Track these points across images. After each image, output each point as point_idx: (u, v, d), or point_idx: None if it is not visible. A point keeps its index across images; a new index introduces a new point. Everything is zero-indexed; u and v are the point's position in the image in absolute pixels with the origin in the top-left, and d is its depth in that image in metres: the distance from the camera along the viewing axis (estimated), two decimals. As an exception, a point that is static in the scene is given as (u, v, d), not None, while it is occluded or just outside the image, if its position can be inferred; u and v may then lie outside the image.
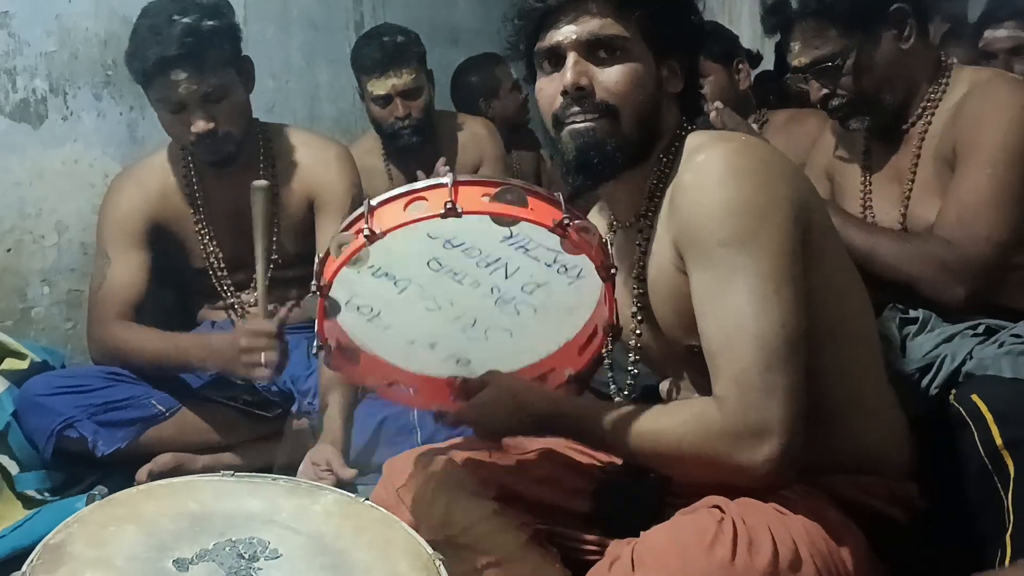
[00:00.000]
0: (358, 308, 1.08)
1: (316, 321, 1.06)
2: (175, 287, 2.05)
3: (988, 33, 2.32)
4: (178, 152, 1.90)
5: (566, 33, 1.10)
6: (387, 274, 1.05)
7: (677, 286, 1.08)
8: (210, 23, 1.72)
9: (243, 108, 1.83)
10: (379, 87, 2.37)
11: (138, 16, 1.73)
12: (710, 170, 1.04)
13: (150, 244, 1.89)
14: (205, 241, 1.94)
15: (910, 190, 1.47)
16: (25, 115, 1.93)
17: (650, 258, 1.14)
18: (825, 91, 1.48)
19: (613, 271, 1.05)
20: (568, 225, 0.99)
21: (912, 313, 1.40)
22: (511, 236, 1.01)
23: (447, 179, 0.98)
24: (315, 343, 1.07)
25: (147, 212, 1.88)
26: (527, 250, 1.03)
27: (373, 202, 1.01)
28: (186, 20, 1.69)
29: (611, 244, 1.19)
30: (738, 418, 0.96)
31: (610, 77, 1.09)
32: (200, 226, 1.93)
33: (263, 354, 1.62)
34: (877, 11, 1.43)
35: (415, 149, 2.45)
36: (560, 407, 1.13)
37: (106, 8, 2.07)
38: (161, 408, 1.81)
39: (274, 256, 1.91)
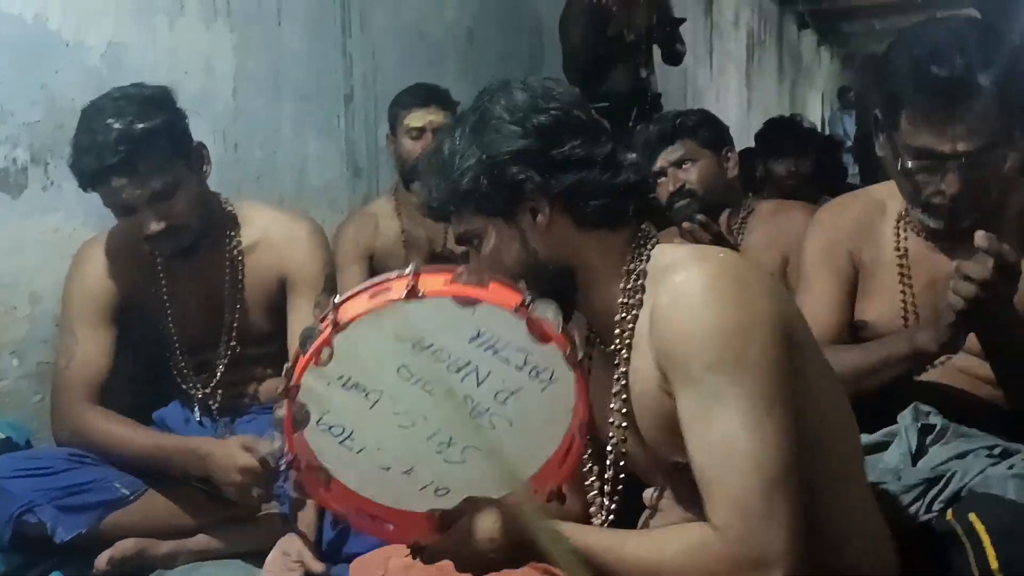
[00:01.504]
0: (329, 428, 1.04)
1: (283, 432, 1.02)
2: (142, 365, 1.99)
3: None
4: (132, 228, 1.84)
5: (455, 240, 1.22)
6: (357, 384, 1.02)
7: (662, 405, 1.05)
8: (142, 125, 1.63)
9: (197, 199, 1.77)
10: (416, 119, 2.46)
11: (79, 120, 1.68)
12: (690, 292, 1.01)
13: (117, 320, 1.84)
14: (168, 321, 1.89)
15: None
16: (4, 185, 1.90)
17: (632, 375, 1.12)
18: (961, 188, 1.31)
19: (581, 358, 1.05)
20: (532, 303, 1.00)
21: (932, 419, 1.36)
22: (478, 336, 1.00)
23: (409, 268, 1.00)
24: (283, 459, 1.03)
25: (115, 287, 1.84)
26: (496, 351, 1.02)
27: (338, 299, 1.02)
28: (118, 126, 1.61)
29: (590, 358, 1.19)
30: (742, 547, 0.93)
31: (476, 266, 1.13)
32: (163, 305, 1.88)
33: (253, 489, 1.60)
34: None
35: None
36: None
37: (95, 79, 2.05)
38: (125, 491, 1.75)
39: (233, 343, 1.89)
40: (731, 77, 8.16)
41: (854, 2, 10.53)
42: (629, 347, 1.11)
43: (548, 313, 1.02)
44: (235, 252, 1.88)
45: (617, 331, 1.12)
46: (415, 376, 1.03)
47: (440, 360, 1.02)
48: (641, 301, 1.10)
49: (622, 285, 1.12)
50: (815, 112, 12.37)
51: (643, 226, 1.18)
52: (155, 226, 1.68)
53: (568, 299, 1.13)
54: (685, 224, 2.11)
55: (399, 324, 1.00)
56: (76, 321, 1.81)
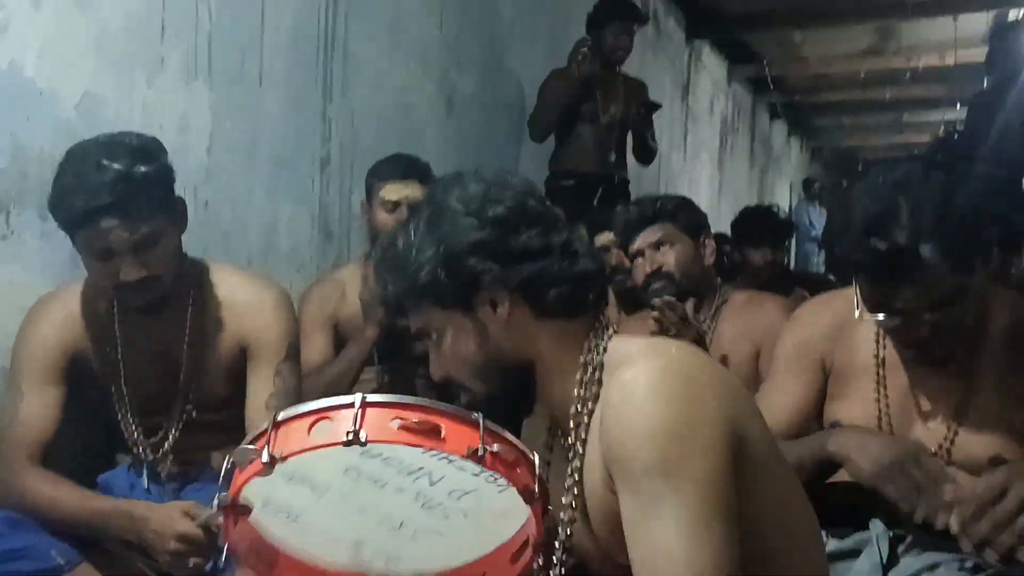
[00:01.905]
0: (275, 513, 0.99)
1: (221, 531, 0.97)
2: (90, 426, 1.91)
3: None
4: (99, 286, 1.79)
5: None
6: (303, 479, 0.98)
7: (609, 504, 1.02)
8: (143, 168, 1.61)
9: (175, 252, 1.74)
10: (393, 192, 2.41)
11: (62, 160, 1.63)
12: (635, 391, 0.99)
13: (67, 378, 1.77)
14: (121, 381, 1.81)
15: (959, 421, 1.38)
16: (-39, 232, 1.84)
17: (585, 470, 1.09)
18: (925, 336, 1.33)
19: (537, 494, 1.03)
20: (484, 454, 0.96)
21: (904, 528, 1.33)
22: (421, 469, 0.98)
23: (356, 398, 0.95)
24: (222, 556, 0.98)
25: (68, 343, 1.77)
26: (450, 460, 0.99)
27: (280, 416, 0.97)
28: (117, 166, 1.58)
29: (551, 450, 1.18)
30: None
31: (435, 361, 1.15)
32: (117, 365, 1.81)
33: (191, 559, 1.52)
34: (982, 245, 1.33)
35: None
36: None
37: (66, 130, 2.02)
38: (60, 560, 1.64)
39: (189, 407, 1.82)
40: (704, 162, 8.30)
41: (824, 98, 10.83)
42: (584, 442, 1.09)
43: (502, 452, 0.99)
44: (197, 313, 1.82)
45: (572, 424, 1.10)
46: (363, 475, 0.99)
47: (390, 466, 0.99)
48: (597, 395, 1.09)
49: (578, 377, 1.10)
50: (783, 200, 12.61)
51: (601, 316, 1.16)
52: (135, 274, 1.63)
53: (528, 393, 1.13)
54: (655, 301, 2.10)
55: (337, 456, 0.96)
56: (24, 377, 1.74)
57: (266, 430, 0.96)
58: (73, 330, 1.78)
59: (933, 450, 1.37)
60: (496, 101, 4.13)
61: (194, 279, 1.84)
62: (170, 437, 1.84)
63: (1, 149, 1.91)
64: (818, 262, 10.56)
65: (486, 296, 1.10)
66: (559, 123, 3.94)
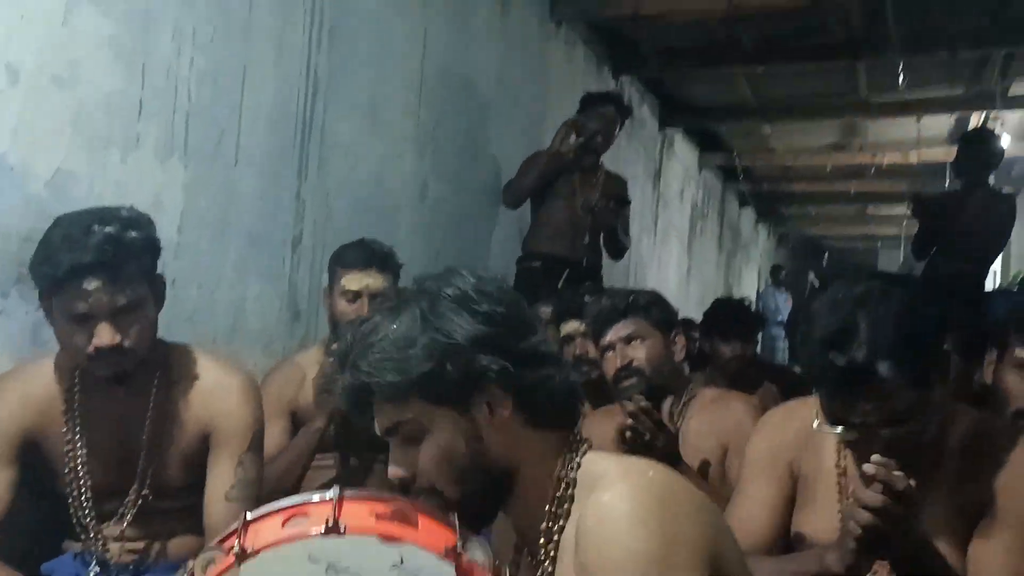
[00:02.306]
0: None
1: None
2: (38, 511, 1.84)
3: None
4: (65, 363, 1.75)
5: (376, 427, 1.11)
6: None
7: None
8: (133, 234, 1.62)
9: (151, 326, 1.71)
10: (354, 282, 2.35)
11: (50, 226, 1.62)
12: (614, 515, 0.97)
13: (20, 461, 1.70)
14: (74, 465, 1.75)
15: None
16: (-81, 307, 1.79)
17: None
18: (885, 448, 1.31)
19: None
20: (461, 553, 0.95)
21: None
22: (401, 562, 0.94)
23: (332, 493, 0.93)
24: None
25: (24, 424, 1.71)
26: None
27: (249, 516, 0.95)
28: (108, 230, 1.58)
29: (518, 566, 1.14)
30: None
31: (418, 460, 1.08)
32: (75, 446, 1.74)
33: None
34: (938, 361, 1.34)
35: None
36: None
37: (36, 206, 1.99)
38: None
39: (146, 492, 1.76)
40: (674, 246, 8.41)
41: (791, 188, 11.08)
42: (554, 560, 1.06)
43: (479, 555, 0.97)
44: (161, 396, 1.77)
45: (543, 541, 1.07)
46: None
47: None
48: (569, 511, 1.06)
49: (551, 493, 1.08)
50: (751, 285, 12.78)
51: (576, 430, 1.15)
52: (108, 338, 1.59)
53: (502, 502, 1.09)
54: (629, 406, 2.08)
55: (314, 547, 0.92)
56: None
57: (235, 530, 0.93)
58: (29, 410, 1.72)
59: None
60: (472, 184, 4.17)
61: (161, 360, 1.79)
62: (124, 524, 1.78)
63: (-34, 224, 1.87)
64: (783, 347, 10.67)
65: (486, 396, 1.07)
66: (535, 199, 3.98)
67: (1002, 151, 4.61)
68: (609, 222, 4.06)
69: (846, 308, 1.30)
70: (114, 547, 1.77)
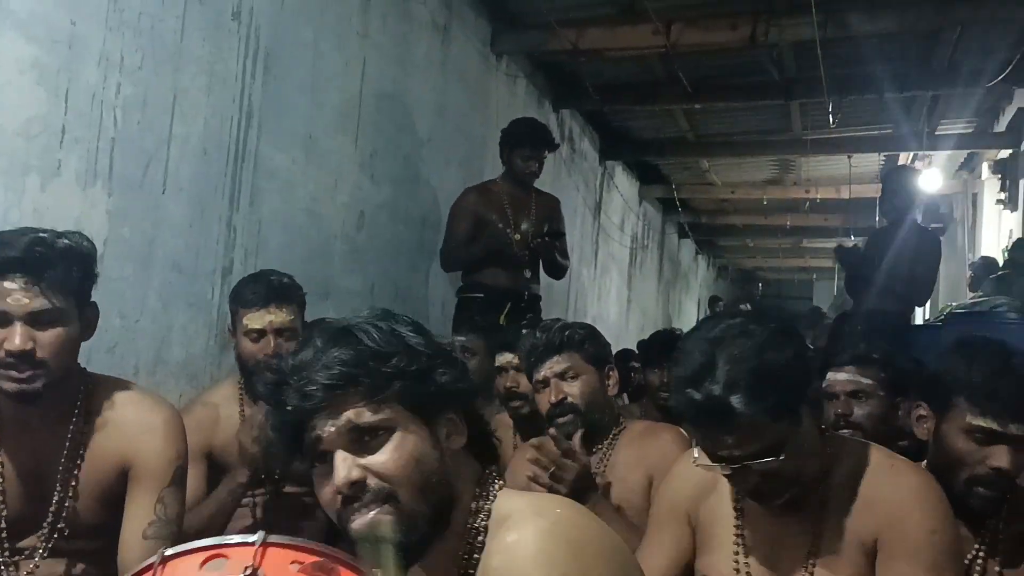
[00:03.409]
0: None
1: None
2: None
3: (830, 375, 2.46)
4: None
5: (322, 431, 1.03)
6: None
7: None
8: (66, 242, 1.59)
9: (70, 347, 1.64)
10: (256, 321, 2.25)
11: None
12: (517, 556, 0.97)
13: None
14: None
15: (813, 565, 1.41)
16: None
17: None
18: (756, 482, 1.39)
19: None
20: None
21: None
22: None
23: (256, 537, 0.91)
24: None
25: None
26: None
27: (168, 552, 0.91)
28: (41, 235, 1.56)
29: None
30: None
31: (379, 460, 1.02)
32: None
33: None
34: (804, 394, 1.39)
35: None
36: None
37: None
38: None
39: (61, 526, 1.67)
40: (613, 277, 8.48)
41: (729, 220, 11.29)
42: None
43: None
44: (79, 428, 1.70)
45: None
46: None
47: None
48: (483, 544, 1.05)
49: (468, 529, 1.06)
50: (691, 315, 12.94)
51: (492, 467, 1.15)
52: (20, 342, 1.53)
53: (439, 534, 1.05)
54: (564, 445, 2.08)
55: None
56: None
57: (150, 565, 0.90)
58: None
59: None
60: (409, 214, 4.15)
61: (82, 390, 1.72)
62: (35, 562, 1.70)
63: None
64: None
65: (450, 417, 1.08)
66: (468, 249, 3.93)
67: (920, 190, 4.74)
68: (548, 256, 4.06)
69: (706, 345, 1.36)
70: None
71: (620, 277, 8.78)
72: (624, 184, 8.57)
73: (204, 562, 0.90)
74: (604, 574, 0.97)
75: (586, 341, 2.37)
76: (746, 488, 1.43)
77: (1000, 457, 1.54)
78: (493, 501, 1.08)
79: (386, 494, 1.01)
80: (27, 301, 1.54)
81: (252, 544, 0.90)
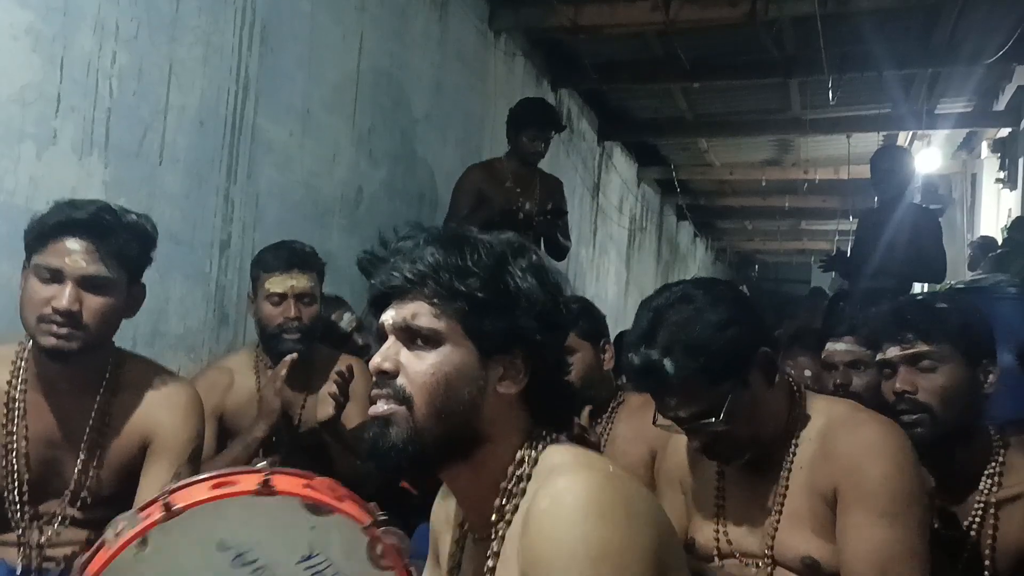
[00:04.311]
0: None
1: None
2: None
3: (829, 346, 2.47)
4: (10, 352, 1.70)
5: (386, 317, 1.08)
6: None
7: None
8: (133, 218, 1.67)
9: (113, 318, 1.69)
10: (277, 284, 2.31)
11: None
12: (569, 503, 0.95)
13: None
14: (11, 458, 1.68)
15: (777, 521, 1.46)
16: None
17: (500, 570, 1.04)
18: (706, 442, 1.47)
19: None
20: (380, 528, 0.96)
21: None
22: (309, 557, 0.93)
23: (264, 464, 0.95)
24: None
25: None
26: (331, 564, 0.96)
27: (173, 485, 0.95)
28: (110, 206, 1.65)
29: (462, 551, 1.13)
30: None
31: (414, 365, 1.05)
32: (10, 440, 1.68)
33: None
34: (745, 358, 1.44)
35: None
36: None
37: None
38: None
39: (84, 495, 1.70)
40: (612, 259, 8.48)
41: (728, 202, 11.29)
42: (502, 539, 1.04)
43: (395, 540, 0.95)
44: (107, 399, 1.73)
45: (494, 518, 1.05)
46: None
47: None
48: (523, 491, 1.05)
49: (511, 471, 1.06)
50: (688, 298, 12.92)
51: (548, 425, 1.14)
52: (67, 302, 1.57)
53: (450, 461, 1.06)
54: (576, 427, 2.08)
55: (228, 528, 0.90)
56: None
57: (156, 498, 0.93)
58: None
59: (760, 552, 1.47)
60: (407, 191, 4.15)
61: (110, 363, 1.75)
62: (54, 526, 1.70)
63: None
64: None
65: (508, 359, 1.06)
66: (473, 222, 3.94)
67: (913, 168, 4.75)
68: (550, 234, 4.07)
69: (650, 312, 1.44)
70: (41, 550, 1.69)
71: (618, 258, 8.78)
72: (623, 165, 8.55)
73: (214, 487, 0.93)
74: (647, 537, 0.96)
75: (580, 317, 2.37)
76: (701, 448, 1.50)
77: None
78: (541, 451, 1.07)
79: (404, 396, 1.03)
80: (84, 264, 1.60)
81: (260, 471, 0.92)
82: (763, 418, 1.47)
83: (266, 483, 0.92)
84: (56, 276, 1.60)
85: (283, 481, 0.94)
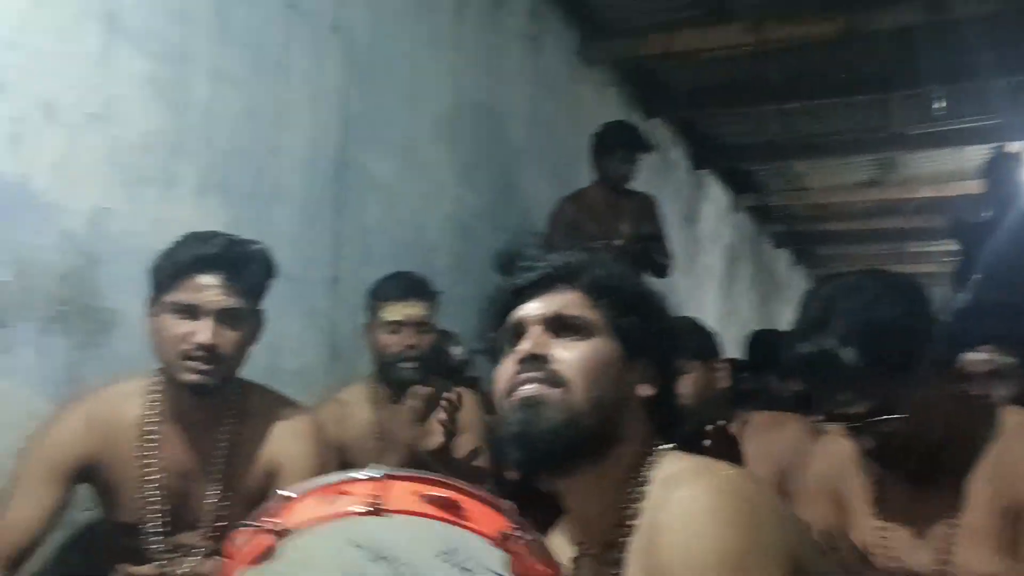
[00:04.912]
0: None
1: None
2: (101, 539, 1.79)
3: (967, 356, 2.32)
4: (144, 386, 1.73)
5: (531, 309, 1.08)
6: None
7: None
8: (258, 247, 1.71)
9: (244, 348, 1.72)
10: (393, 313, 2.34)
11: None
12: (692, 512, 0.91)
13: (69, 484, 1.66)
14: (148, 491, 1.69)
15: (954, 535, 1.35)
16: (-41, 345, 1.77)
17: None
18: (877, 442, 1.36)
19: None
20: (515, 538, 0.89)
21: None
22: (447, 553, 0.88)
23: (378, 471, 0.90)
24: None
25: (85, 446, 1.67)
26: (468, 570, 0.90)
27: (285, 493, 0.91)
28: (233, 237, 1.68)
29: (577, 566, 1.09)
30: None
31: (568, 350, 1.04)
32: (146, 473, 1.69)
33: None
34: (921, 351, 1.33)
35: (411, 386, 2.32)
36: None
37: (73, 243, 1.99)
38: None
39: (219, 525, 1.70)
40: (709, 289, 8.31)
41: (827, 227, 10.96)
42: (623, 548, 1.01)
43: (534, 546, 0.91)
44: (235, 429, 1.76)
45: (613, 526, 1.02)
46: None
47: (399, 574, 0.89)
48: (645, 496, 1.02)
49: (625, 486, 1.03)
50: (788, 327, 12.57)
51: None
52: (208, 337, 1.61)
53: (588, 459, 1.03)
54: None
55: (356, 533, 0.87)
56: (24, 473, 1.63)
57: (271, 506, 0.91)
58: (96, 432, 1.68)
59: (932, 566, 1.37)
60: (508, 223, 4.14)
61: (237, 394, 1.78)
62: (192, 562, 1.69)
63: (5, 262, 1.85)
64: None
65: (643, 364, 1.08)
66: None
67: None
68: (646, 260, 3.99)
69: (819, 301, 1.38)
70: None
71: (716, 289, 8.60)
72: (717, 193, 8.41)
73: (325, 501, 0.90)
74: (777, 539, 0.91)
75: (688, 336, 2.30)
76: (868, 450, 1.39)
77: None
78: (661, 459, 1.05)
79: (559, 379, 1.03)
80: (221, 298, 1.63)
81: (375, 478, 0.89)
82: (933, 420, 1.35)
83: (376, 505, 0.87)
84: (192, 312, 1.62)
85: (397, 495, 0.89)
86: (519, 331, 1.08)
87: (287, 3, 2.66)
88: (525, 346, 1.05)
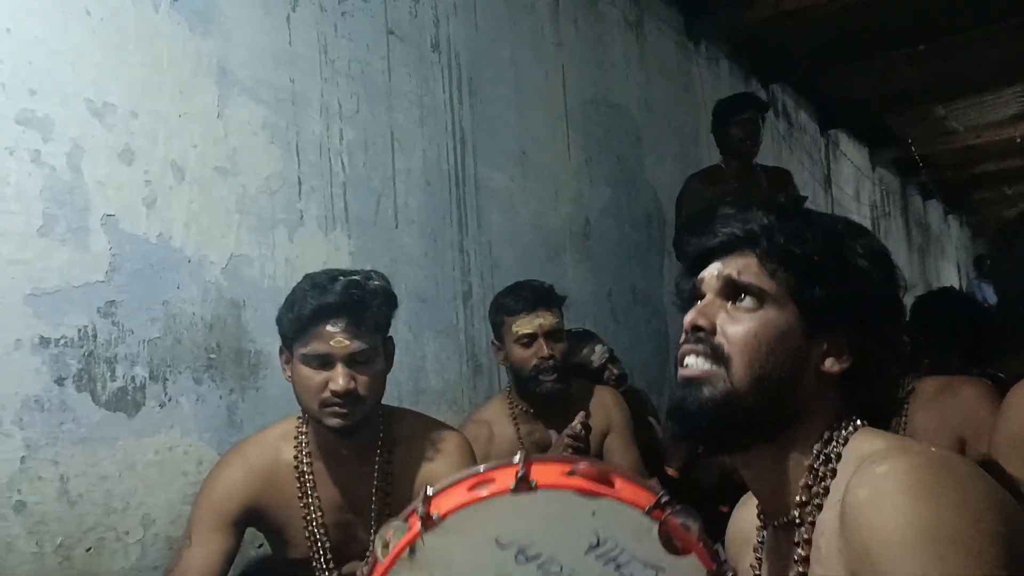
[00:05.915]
0: None
1: None
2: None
3: None
4: (292, 429, 1.79)
5: (706, 273, 1.04)
6: None
7: None
8: (375, 283, 1.71)
9: (381, 381, 1.75)
10: (525, 326, 2.31)
11: (298, 282, 1.73)
12: (895, 488, 0.83)
13: (239, 530, 1.73)
14: (312, 528, 1.76)
15: None
16: (121, 404, 1.87)
17: (814, 570, 0.94)
18: None
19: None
20: (665, 508, 0.85)
21: None
22: (598, 544, 0.85)
23: (517, 457, 0.87)
24: None
25: (248, 493, 1.73)
26: (618, 566, 0.86)
27: (430, 490, 0.89)
28: (353, 277, 1.69)
29: (762, 543, 1.04)
30: None
31: (736, 323, 0.98)
32: (307, 511, 1.76)
33: None
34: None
35: (553, 398, 2.32)
36: None
37: (214, 293, 2.07)
38: None
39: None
40: (858, 251, 7.91)
41: (978, 170, 10.24)
42: (812, 526, 0.95)
43: (687, 520, 0.86)
44: (384, 457, 1.79)
45: (800, 501, 0.96)
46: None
47: (548, 574, 0.86)
48: (834, 473, 0.95)
49: (816, 449, 0.97)
50: (951, 280, 11.84)
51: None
52: (344, 383, 1.64)
53: (757, 435, 0.98)
54: None
55: (502, 525, 0.85)
56: (195, 524, 1.70)
57: (413, 509, 0.90)
58: (256, 478, 1.75)
59: None
60: (633, 214, 4.07)
61: (382, 422, 1.82)
62: None
63: (154, 319, 1.95)
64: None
65: (833, 337, 0.98)
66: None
67: None
68: None
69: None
70: None
71: (865, 251, 8.18)
72: (852, 151, 8.01)
73: (471, 488, 0.89)
74: (992, 518, 0.82)
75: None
76: None
77: None
78: (851, 436, 0.97)
79: (721, 355, 0.97)
80: (348, 343, 1.66)
81: (515, 464, 0.86)
82: None
83: (524, 478, 0.85)
84: (325, 361, 1.66)
85: (543, 472, 0.87)
86: (696, 295, 1.04)
87: (387, 30, 2.70)
88: (692, 313, 1.01)
